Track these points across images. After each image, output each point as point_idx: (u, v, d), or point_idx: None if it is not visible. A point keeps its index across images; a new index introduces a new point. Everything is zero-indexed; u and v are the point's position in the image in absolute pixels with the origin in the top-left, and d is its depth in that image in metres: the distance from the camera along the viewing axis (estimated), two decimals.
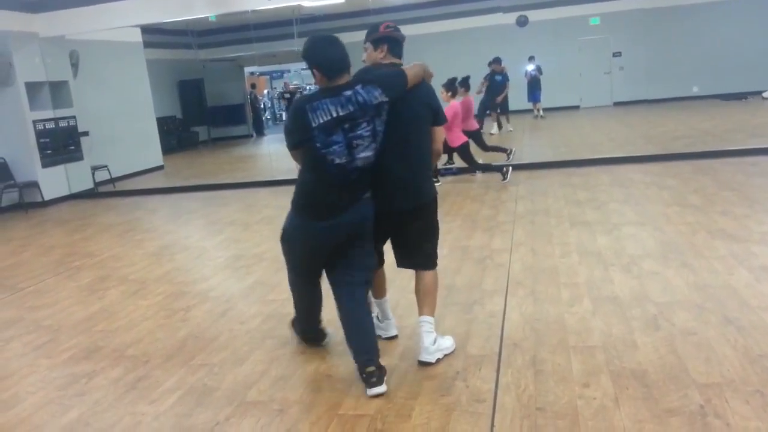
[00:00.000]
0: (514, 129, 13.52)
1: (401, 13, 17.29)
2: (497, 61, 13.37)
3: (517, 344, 3.39)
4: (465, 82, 8.87)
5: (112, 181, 11.30)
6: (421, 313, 3.27)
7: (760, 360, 2.97)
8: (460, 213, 6.60)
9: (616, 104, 17.26)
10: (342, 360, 3.40)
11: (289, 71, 25.54)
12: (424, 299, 3.28)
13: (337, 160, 2.85)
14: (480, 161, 8.49)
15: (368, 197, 3.06)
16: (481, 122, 13.74)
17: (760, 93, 15.41)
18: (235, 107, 19.00)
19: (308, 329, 3.58)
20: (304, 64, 2.97)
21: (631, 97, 17.08)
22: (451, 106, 7.91)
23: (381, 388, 2.97)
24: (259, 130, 19.87)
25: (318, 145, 2.83)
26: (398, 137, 3.04)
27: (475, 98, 9.95)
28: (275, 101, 25.01)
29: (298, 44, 17.29)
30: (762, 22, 16.26)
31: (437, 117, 3.21)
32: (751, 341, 3.16)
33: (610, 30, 17.04)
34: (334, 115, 2.82)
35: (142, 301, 4.79)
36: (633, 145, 10.13)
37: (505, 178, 8.04)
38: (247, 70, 19.96)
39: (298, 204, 3.05)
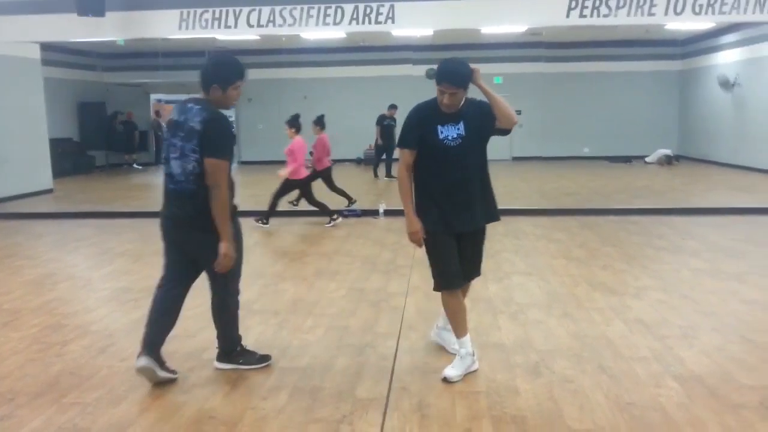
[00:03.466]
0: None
1: (314, 55, 17.58)
2: (393, 107, 13.81)
3: (405, 388, 3.43)
4: (320, 121, 8.93)
5: None
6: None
7: (628, 408, 3.16)
8: (359, 255, 6.63)
9: (515, 159, 18.15)
10: (226, 401, 3.30)
11: None
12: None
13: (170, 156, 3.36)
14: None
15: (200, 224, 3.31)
16: (375, 168, 14.05)
17: (643, 158, 16.75)
18: (138, 134, 18.32)
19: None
20: None
21: (529, 153, 18.03)
22: (295, 141, 8.21)
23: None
24: (161, 157, 19.14)
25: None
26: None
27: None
28: None
29: None
30: (649, 95, 17.83)
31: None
32: (622, 390, 3.36)
33: (511, 89, 17.94)
34: (173, 117, 3.36)
35: (13, 332, 4.45)
36: (527, 199, 10.64)
37: (330, 223, 8.41)
38: (154, 96, 19.37)
39: None
